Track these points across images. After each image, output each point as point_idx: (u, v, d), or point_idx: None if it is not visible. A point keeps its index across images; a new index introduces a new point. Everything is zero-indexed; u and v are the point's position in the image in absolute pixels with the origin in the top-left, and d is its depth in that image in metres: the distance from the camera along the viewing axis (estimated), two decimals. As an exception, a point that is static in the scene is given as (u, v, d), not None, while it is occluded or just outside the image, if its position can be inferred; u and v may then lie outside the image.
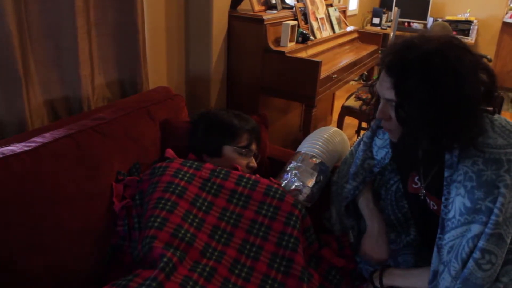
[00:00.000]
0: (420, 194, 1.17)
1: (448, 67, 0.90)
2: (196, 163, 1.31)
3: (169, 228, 1.11)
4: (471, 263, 0.94)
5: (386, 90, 0.98)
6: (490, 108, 0.98)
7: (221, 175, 1.29)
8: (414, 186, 1.18)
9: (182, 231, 1.11)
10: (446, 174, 1.01)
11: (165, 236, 1.09)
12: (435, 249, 1.03)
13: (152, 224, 1.11)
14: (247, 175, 1.31)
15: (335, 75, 2.38)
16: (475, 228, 0.94)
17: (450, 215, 1.00)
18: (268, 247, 1.16)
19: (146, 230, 1.11)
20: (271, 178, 1.38)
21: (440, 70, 0.90)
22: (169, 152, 1.39)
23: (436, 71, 0.90)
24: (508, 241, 0.94)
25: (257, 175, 1.34)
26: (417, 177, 1.17)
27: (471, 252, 0.94)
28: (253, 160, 1.48)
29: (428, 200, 1.14)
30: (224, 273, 1.07)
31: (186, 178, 1.25)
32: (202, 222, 1.18)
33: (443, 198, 1.02)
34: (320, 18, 2.70)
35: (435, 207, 1.11)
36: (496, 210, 0.92)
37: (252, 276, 1.10)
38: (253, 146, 1.48)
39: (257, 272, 1.11)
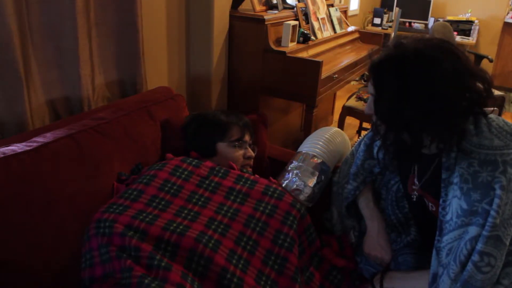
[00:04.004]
0: (412, 196, 1.17)
1: (422, 68, 0.93)
2: (196, 160, 1.31)
3: (160, 223, 1.10)
4: (470, 266, 0.94)
5: (370, 85, 1.04)
6: (481, 110, 0.97)
7: (220, 174, 1.29)
8: (414, 187, 1.18)
9: (174, 225, 1.10)
10: (443, 176, 1.01)
11: (156, 230, 1.07)
12: (434, 251, 1.03)
13: (143, 218, 1.10)
14: (246, 175, 1.31)
15: (336, 75, 2.38)
16: (473, 230, 0.94)
17: (448, 217, 0.99)
18: (264, 243, 1.15)
19: (136, 221, 1.09)
20: (270, 178, 1.38)
21: (412, 70, 0.93)
22: (169, 157, 1.39)
23: (408, 70, 0.94)
24: (507, 242, 0.94)
25: (256, 175, 1.34)
26: (416, 179, 1.16)
27: (470, 254, 0.94)
28: (250, 150, 1.48)
29: (426, 202, 1.14)
30: (221, 263, 1.05)
31: (183, 176, 1.25)
32: (198, 214, 1.16)
33: (440, 200, 1.02)
34: (321, 18, 2.70)
35: (434, 209, 1.11)
36: (492, 212, 0.91)
37: (248, 269, 1.09)
38: (246, 138, 1.48)
39: (252, 267, 1.10)
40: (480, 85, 0.95)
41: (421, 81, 0.92)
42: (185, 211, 1.16)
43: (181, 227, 1.10)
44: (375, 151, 1.30)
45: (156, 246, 1.05)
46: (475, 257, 0.93)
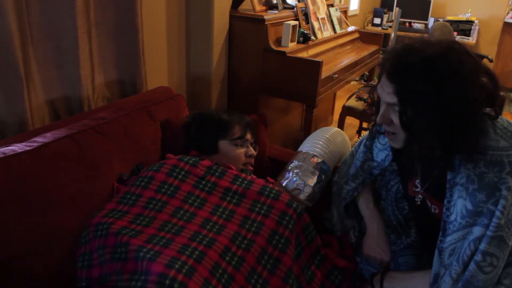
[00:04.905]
0: (416, 199, 1.16)
1: (451, 70, 0.90)
2: (193, 159, 1.31)
3: (156, 225, 1.12)
4: (472, 266, 0.94)
5: (387, 95, 0.98)
6: (491, 110, 0.97)
7: (217, 174, 1.29)
8: (414, 189, 1.18)
9: (169, 225, 1.12)
10: (449, 177, 1.01)
11: (151, 231, 1.10)
12: (436, 252, 1.03)
13: (140, 222, 1.12)
14: (243, 175, 1.31)
15: (336, 75, 2.38)
16: (477, 231, 0.94)
17: (452, 218, 0.99)
18: (259, 241, 1.15)
19: (133, 225, 1.11)
20: (268, 177, 1.38)
21: (444, 74, 0.90)
22: (169, 157, 1.39)
23: (440, 74, 0.90)
24: (510, 243, 0.94)
25: (253, 176, 1.34)
26: (417, 181, 1.16)
27: (473, 254, 0.94)
28: (251, 149, 1.49)
29: (429, 204, 1.14)
30: (214, 257, 1.06)
31: (180, 177, 1.25)
32: (193, 215, 1.17)
33: (445, 201, 1.02)
34: (321, 18, 2.70)
35: (437, 211, 1.11)
36: (497, 213, 0.91)
37: (242, 266, 1.09)
38: (248, 136, 1.49)
39: (246, 263, 1.10)
40: (489, 83, 0.94)
41: (454, 85, 0.90)
42: (181, 212, 1.18)
43: (176, 227, 1.12)
44: (375, 153, 1.29)
45: (148, 241, 1.06)
46: (478, 257, 0.93)
